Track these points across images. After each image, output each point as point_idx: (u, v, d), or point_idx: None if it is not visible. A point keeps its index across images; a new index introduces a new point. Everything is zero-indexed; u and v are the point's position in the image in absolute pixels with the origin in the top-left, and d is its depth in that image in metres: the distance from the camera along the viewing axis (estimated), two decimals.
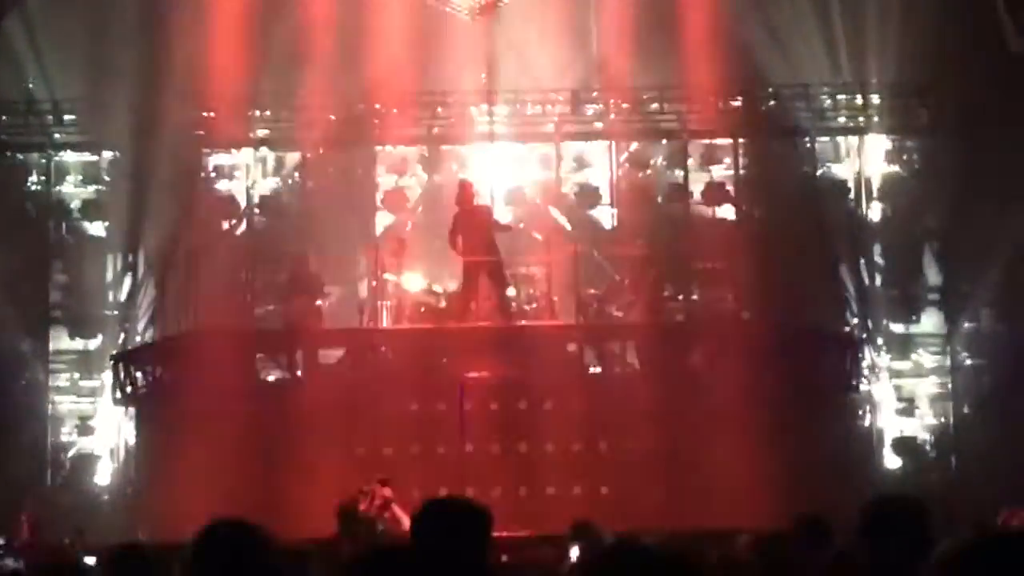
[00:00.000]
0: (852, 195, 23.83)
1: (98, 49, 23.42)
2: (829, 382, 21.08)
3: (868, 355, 22.67)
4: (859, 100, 23.95)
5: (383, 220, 24.42)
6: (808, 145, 23.80)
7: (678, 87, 23.90)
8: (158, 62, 22.93)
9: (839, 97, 23.95)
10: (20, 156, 24.39)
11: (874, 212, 23.88)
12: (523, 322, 21.48)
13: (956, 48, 22.21)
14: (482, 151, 24.48)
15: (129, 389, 21.46)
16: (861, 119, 24.02)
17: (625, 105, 24.09)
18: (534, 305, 22.16)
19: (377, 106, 24.19)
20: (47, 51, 23.87)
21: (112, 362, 22.14)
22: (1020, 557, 3.18)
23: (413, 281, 21.93)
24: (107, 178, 24.38)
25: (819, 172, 23.84)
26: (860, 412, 22.57)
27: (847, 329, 22.92)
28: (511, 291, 21.53)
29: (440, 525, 4.96)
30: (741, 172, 24.02)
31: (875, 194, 23.89)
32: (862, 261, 23.33)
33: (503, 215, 23.13)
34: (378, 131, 24.39)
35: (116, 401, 21.97)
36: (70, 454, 23.41)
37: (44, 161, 24.40)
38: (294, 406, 20.07)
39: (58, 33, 23.67)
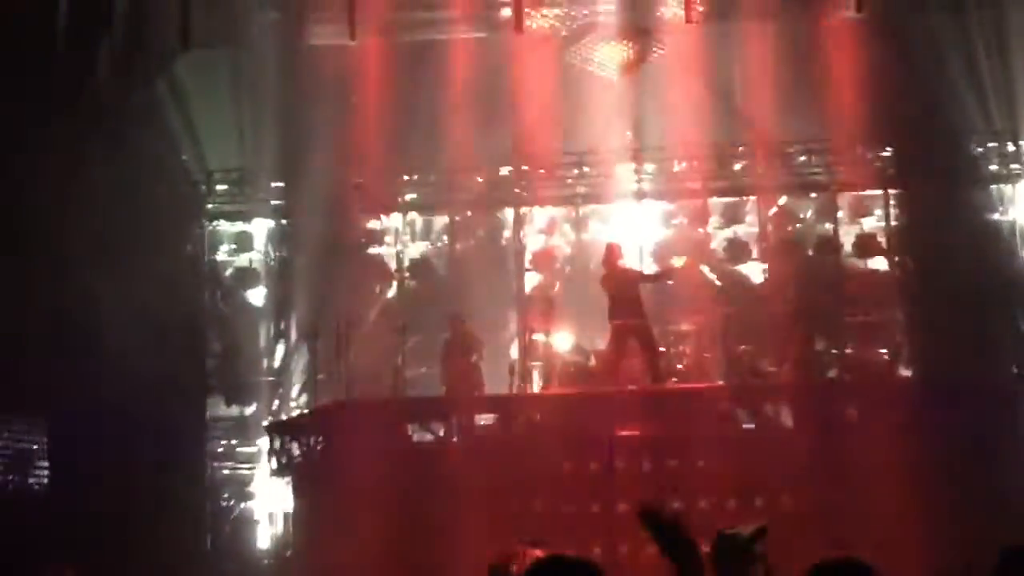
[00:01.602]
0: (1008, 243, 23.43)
1: (246, 114, 23.86)
2: (993, 432, 20.63)
3: None
4: (1011, 147, 23.57)
5: (531, 281, 24.49)
6: (962, 194, 23.43)
7: (825, 139, 23.73)
8: (306, 128, 23.27)
9: (991, 144, 23.57)
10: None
11: None
12: (674, 380, 21.39)
13: None
14: (629, 210, 24.47)
15: (285, 459, 21.74)
16: (1014, 166, 23.62)
17: (772, 159, 23.96)
18: (684, 363, 22.06)
19: (524, 167, 24.35)
20: (200, 121, 24.31)
21: (267, 432, 22.46)
22: None
23: (562, 341, 21.94)
24: (259, 247, 24.79)
25: (974, 220, 23.46)
26: None
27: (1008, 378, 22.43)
28: (660, 350, 21.42)
29: None
30: (892, 223, 23.75)
31: None
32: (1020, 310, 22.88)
33: (649, 269, 23.00)
34: (525, 192, 24.53)
35: (273, 472, 22.27)
36: (230, 519, 23.71)
37: (199, 231, 24.86)
38: (447, 470, 20.16)
39: (206, 99, 24.09)
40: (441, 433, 21.64)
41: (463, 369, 22.05)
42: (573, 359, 21.85)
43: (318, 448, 21.57)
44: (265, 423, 23.43)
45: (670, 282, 21.66)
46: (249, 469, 24.02)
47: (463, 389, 21.89)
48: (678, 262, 21.67)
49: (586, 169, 24.52)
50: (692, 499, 19.95)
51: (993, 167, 23.75)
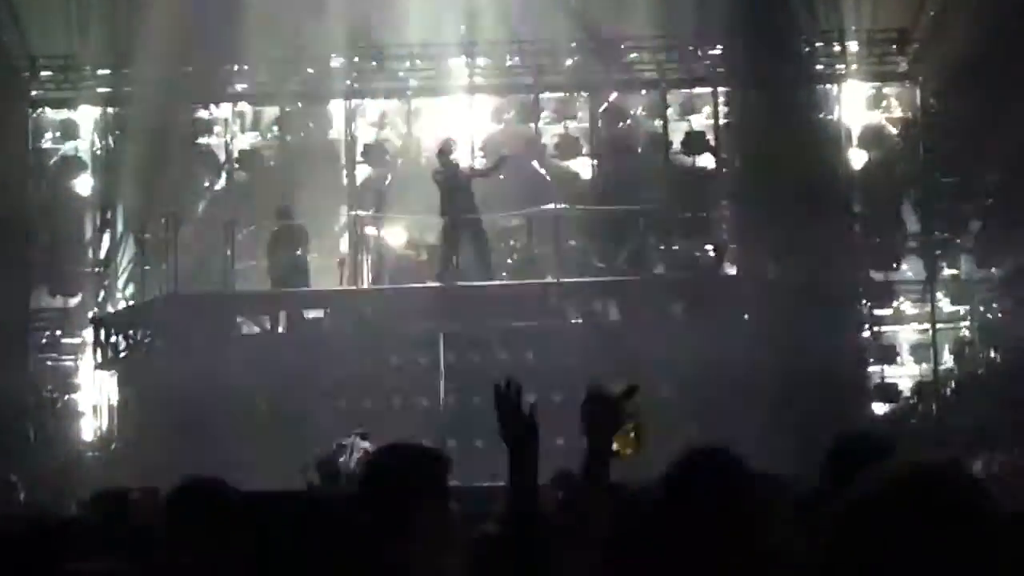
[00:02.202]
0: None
1: (75, 5, 23.34)
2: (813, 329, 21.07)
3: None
4: (837, 47, 23.89)
5: (362, 174, 24.35)
6: (789, 93, 23.66)
7: (656, 36, 23.87)
8: (134, 18, 22.84)
9: (818, 44, 23.85)
10: None
11: (856, 160, 23.83)
12: (504, 275, 21.54)
13: None
14: (461, 103, 24.42)
15: (110, 353, 21.53)
16: (840, 66, 23.94)
17: (603, 55, 24.04)
18: (515, 257, 22.19)
19: (356, 59, 24.12)
20: (23, 7, 23.70)
21: (93, 325, 22.21)
22: None
23: (394, 236, 21.92)
24: (86, 135, 24.32)
25: (801, 119, 23.76)
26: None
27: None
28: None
29: (394, 468, 4.93)
30: (721, 121, 24.00)
31: (855, 143, 23.82)
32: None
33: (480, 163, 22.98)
34: (356, 84, 24.34)
35: (98, 365, 22.04)
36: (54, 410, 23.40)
37: (22, 118, 24.28)
38: (275, 364, 20.16)
39: None
40: (268, 327, 21.59)
41: (290, 262, 21.91)
42: (405, 253, 21.84)
43: (144, 341, 21.39)
44: (90, 315, 23.09)
45: (501, 176, 21.68)
46: (73, 361, 23.68)
47: (290, 282, 21.78)
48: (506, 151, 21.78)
49: (418, 62, 24.35)
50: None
51: (819, 67, 24.03)
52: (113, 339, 21.61)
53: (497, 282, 21.24)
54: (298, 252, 22.01)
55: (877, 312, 23.32)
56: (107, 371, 22.20)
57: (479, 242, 21.08)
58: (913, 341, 23.49)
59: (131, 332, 21.58)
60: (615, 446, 4.48)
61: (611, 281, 21.90)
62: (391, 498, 4.73)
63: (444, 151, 21.26)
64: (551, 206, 21.55)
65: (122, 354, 21.45)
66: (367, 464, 5.24)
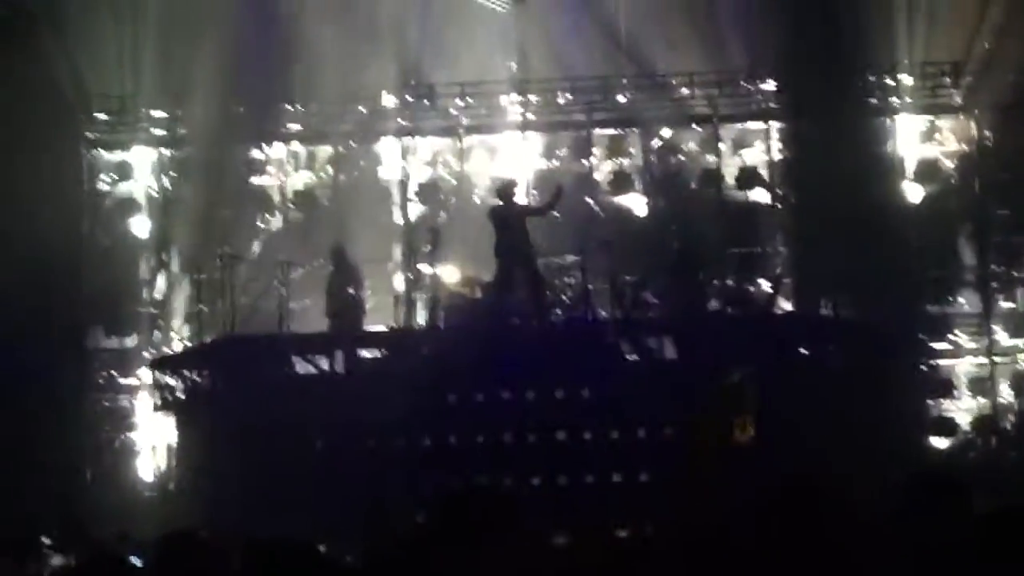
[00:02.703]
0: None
1: (127, 40, 23.53)
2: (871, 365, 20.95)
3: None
4: (890, 81, 23.82)
5: (416, 213, 24.41)
6: (843, 127, 23.54)
7: (709, 71, 23.88)
8: (188, 59, 23.04)
9: (871, 78, 23.79)
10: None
11: (911, 194, 23.74)
12: (558, 313, 21.56)
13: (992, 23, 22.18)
14: (512, 141, 24.47)
15: (169, 395, 21.62)
16: (894, 100, 23.87)
17: (655, 91, 24.06)
18: (569, 294, 22.16)
19: (408, 97, 24.22)
20: (79, 48, 23.86)
21: (151, 367, 22.34)
22: None
23: (449, 273, 21.94)
24: (141, 176, 24.50)
25: (855, 154, 23.66)
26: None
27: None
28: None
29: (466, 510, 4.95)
30: (775, 156, 23.97)
31: (910, 176, 23.73)
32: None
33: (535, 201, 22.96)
34: (408, 122, 24.42)
35: (156, 408, 22.16)
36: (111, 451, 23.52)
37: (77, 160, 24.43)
38: (332, 404, 20.21)
39: (85, 23, 23.65)
40: (325, 367, 21.62)
41: (345, 301, 21.96)
42: (459, 291, 21.85)
43: (202, 383, 21.47)
44: (147, 354, 23.23)
45: (556, 214, 21.64)
46: (129, 400, 23.79)
47: (346, 322, 21.83)
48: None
49: (470, 100, 24.43)
50: (578, 430, 20.18)
51: (873, 100, 23.95)
52: (170, 381, 21.68)
53: (552, 320, 21.22)
54: (352, 291, 22.04)
55: (933, 345, 23.18)
56: (165, 413, 22.28)
57: (534, 281, 21.06)
58: (971, 375, 23.35)
59: (188, 374, 21.65)
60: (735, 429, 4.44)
61: (666, 319, 21.83)
62: (463, 539, 4.74)
63: (504, 192, 21.28)
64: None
65: (179, 395, 21.52)
66: (440, 507, 5.22)
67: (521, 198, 22.22)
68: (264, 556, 5.70)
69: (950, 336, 23.35)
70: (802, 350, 20.68)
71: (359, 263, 22.37)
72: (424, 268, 22.02)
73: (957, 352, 23.39)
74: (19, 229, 21.71)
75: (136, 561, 9.78)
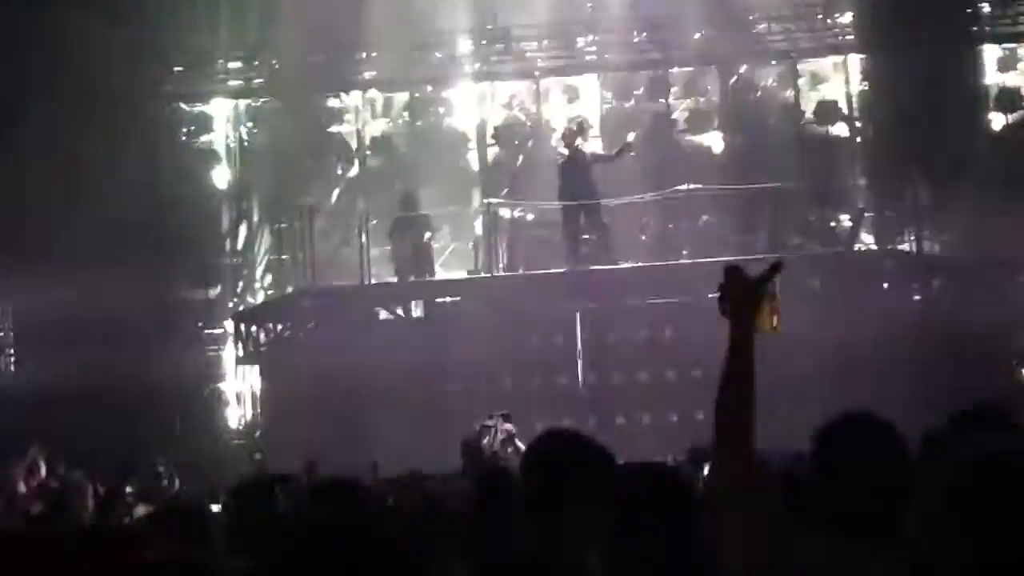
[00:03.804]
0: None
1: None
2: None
3: None
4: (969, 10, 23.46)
5: (493, 157, 24.37)
6: (922, 58, 23.12)
7: (784, 6, 23.66)
8: (263, 9, 23.15)
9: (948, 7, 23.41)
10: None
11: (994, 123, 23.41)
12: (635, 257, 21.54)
13: None
14: (589, 82, 24.36)
15: (252, 347, 21.90)
16: (973, 28, 23.51)
17: (731, 27, 23.81)
18: (647, 235, 22.15)
19: (484, 42, 24.17)
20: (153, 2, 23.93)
21: (234, 320, 22.59)
22: None
23: (527, 217, 22.00)
24: (220, 127, 24.64)
25: (933, 85, 23.33)
26: None
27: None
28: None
29: (552, 460, 4.90)
30: (855, 89, 23.70)
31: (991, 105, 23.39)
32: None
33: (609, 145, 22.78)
34: (485, 67, 24.35)
35: (239, 360, 22.40)
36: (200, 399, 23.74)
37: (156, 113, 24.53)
38: (413, 346, 20.37)
39: None
40: (402, 313, 21.78)
41: (414, 249, 22.01)
42: (538, 234, 21.88)
43: (285, 335, 21.75)
44: (231, 306, 23.46)
45: (632, 153, 21.52)
46: (216, 351, 24.00)
47: (414, 270, 21.93)
48: (631, 137, 21.66)
49: (545, 42, 24.33)
50: (660, 369, 20.25)
51: (951, 29, 23.55)
52: (254, 332, 21.91)
53: (625, 265, 21.20)
54: (423, 239, 22.10)
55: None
56: (249, 364, 22.50)
57: (599, 227, 21.09)
58: None
59: (271, 325, 21.89)
60: (757, 322, 4.34)
61: (746, 260, 21.65)
62: (551, 485, 4.73)
63: (568, 136, 21.30)
64: (684, 187, 21.45)
65: (263, 347, 21.74)
66: (529, 450, 5.20)
67: (591, 142, 22.13)
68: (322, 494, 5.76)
69: None
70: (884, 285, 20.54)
71: (428, 213, 22.42)
72: (503, 212, 22.05)
73: None
74: (103, 184, 21.89)
75: (215, 507, 9.91)
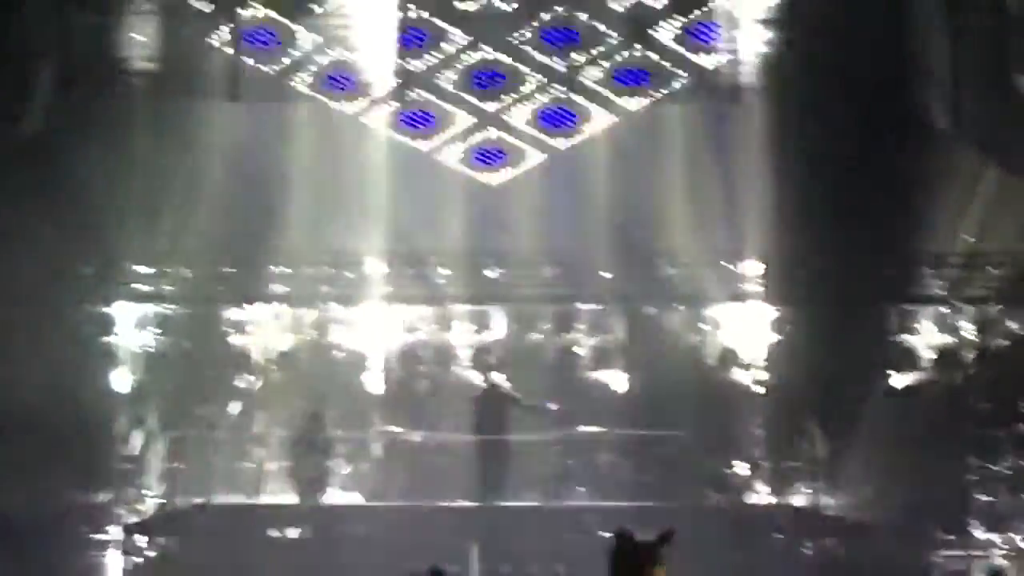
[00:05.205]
0: None
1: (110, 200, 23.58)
2: None
3: None
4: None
5: (394, 379, 24.42)
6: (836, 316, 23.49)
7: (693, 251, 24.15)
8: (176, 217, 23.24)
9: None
10: None
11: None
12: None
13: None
14: (496, 312, 24.59)
15: (141, 559, 21.59)
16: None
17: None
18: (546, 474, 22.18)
19: (393, 264, 24.38)
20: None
21: (124, 530, 22.27)
22: None
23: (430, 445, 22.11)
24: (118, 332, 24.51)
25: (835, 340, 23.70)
26: None
27: None
28: None
29: None
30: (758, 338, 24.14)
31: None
32: None
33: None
34: (392, 287, 24.52)
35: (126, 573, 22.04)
36: None
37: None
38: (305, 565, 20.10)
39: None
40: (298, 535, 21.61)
41: (316, 468, 21.92)
42: (438, 460, 21.95)
43: (173, 549, 21.46)
44: (120, 513, 23.10)
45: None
46: (100, 557, 23.50)
47: (315, 489, 21.80)
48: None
49: (455, 270, 24.55)
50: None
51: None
52: (144, 544, 21.58)
53: (530, 504, 21.27)
54: (325, 461, 22.03)
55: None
56: None
57: (503, 464, 21.28)
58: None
59: (159, 538, 21.60)
60: None
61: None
62: None
63: (484, 368, 21.56)
64: (585, 428, 21.66)
65: (153, 559, 21.42)
66: None
67: (502, 380, 22.25)
68: None
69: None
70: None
71: (329, 433, 22.36)
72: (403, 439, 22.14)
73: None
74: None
75: None
